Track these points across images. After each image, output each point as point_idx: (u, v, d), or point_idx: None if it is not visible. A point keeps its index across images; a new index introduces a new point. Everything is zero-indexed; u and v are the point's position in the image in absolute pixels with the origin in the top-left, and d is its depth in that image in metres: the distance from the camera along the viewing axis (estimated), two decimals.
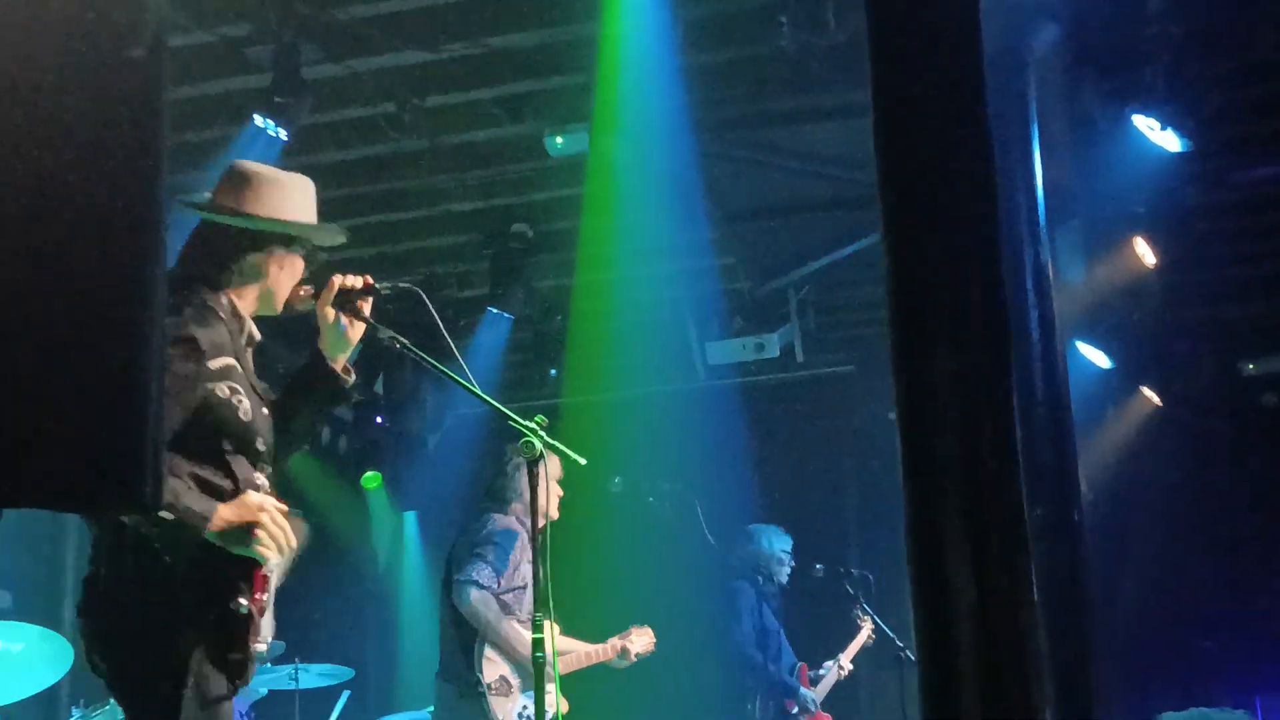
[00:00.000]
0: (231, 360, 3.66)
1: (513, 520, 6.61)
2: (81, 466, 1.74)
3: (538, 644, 3.91)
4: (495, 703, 6.31)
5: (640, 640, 6.86)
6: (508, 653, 6.37)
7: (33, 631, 6.59)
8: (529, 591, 6.60)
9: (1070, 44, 6.35)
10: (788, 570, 8.65)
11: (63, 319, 1.73)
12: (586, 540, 6.53)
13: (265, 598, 3.64)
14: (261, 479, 3.71)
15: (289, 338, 6.33)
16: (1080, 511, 5.81)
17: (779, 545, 8.66)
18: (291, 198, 3.98)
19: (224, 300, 3.79)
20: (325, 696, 8.39)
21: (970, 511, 2.94)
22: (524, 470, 6.69)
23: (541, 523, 6.73)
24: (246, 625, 3.53)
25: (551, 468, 6.69)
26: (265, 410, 3.83)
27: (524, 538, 6.49)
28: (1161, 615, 9.91)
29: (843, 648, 8.79)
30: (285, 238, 3.90)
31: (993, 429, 3.04)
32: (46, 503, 1.76)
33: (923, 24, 3.39)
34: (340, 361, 4.00)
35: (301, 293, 3.95)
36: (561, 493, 6.73)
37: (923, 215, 3.31)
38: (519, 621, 6.44)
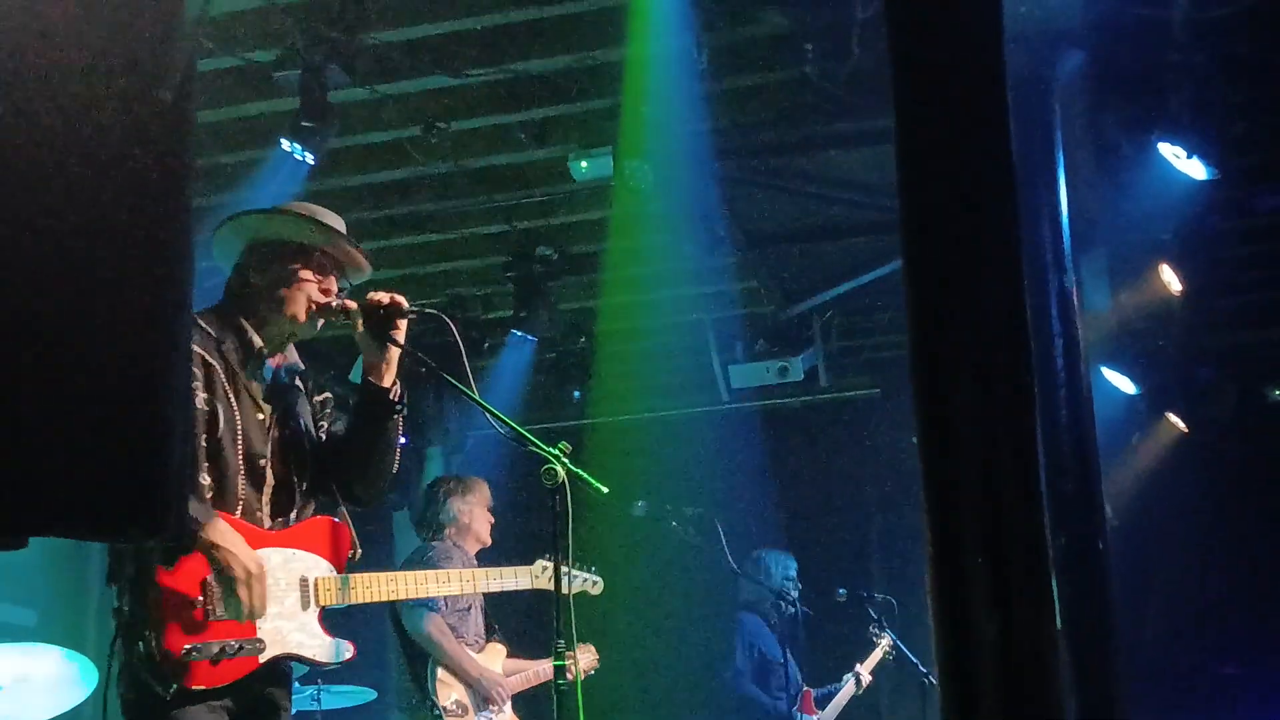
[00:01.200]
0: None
1: (449, 545, 6.74)
2: (107, 496, 1.75)
3: (559, 671, 3.90)
4: None
5: (584, 659, 6.91)
6: (459, 675, 6.45)
7: (57, 652, 6.60)
8: (472, 614, 6.73)
9: (1095, 72, 6.34)
10: (795, 593, 8.60)
11: (88, 347, 1.74)
12: (609, 564, 6.53)
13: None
14: (206, 479, 3.71)
15: None
16: (1105, 540, 5.78)
17: (785, 569, 8.63)
18: (307, 209, 4.11)
19: (239, 322, 3.95)
20: (347, 718, 8.39)
21: (993, 542, 2.92)
22: (454, 497, 6.83)
23: (475, 548, 6.82)
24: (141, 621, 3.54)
25: (481, 495, 6.84)
26: (260, 416, 3.87)
27: (461, 562, 6.60)
28: (1185, 641, 9.86)
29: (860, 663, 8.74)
30: (299, 250, 3.98)
31: (1016, 459, 3.02)
32: (73, 532, 1.77)
33: (945, 51, 3.38)
34: (386, 378, 4.06)
35: (335, 304, 4.00)
36: (492, 519, 6.87)
37: (945, 242, 3.30)
38: (467, 645, 6.55)
